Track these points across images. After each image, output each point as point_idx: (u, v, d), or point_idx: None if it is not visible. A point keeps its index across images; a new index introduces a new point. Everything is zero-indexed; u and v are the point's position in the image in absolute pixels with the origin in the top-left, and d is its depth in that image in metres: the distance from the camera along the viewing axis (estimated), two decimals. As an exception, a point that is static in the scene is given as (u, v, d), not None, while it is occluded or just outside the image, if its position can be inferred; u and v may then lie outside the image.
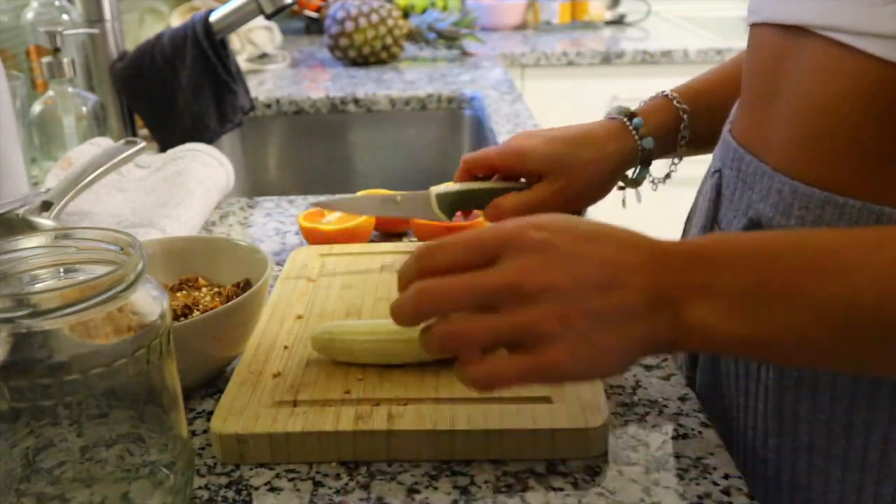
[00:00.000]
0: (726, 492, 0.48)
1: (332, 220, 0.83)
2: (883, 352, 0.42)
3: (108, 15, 1.18)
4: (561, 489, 0.48)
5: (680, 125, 0.72)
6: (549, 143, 0.69)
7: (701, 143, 0.73)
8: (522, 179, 0.71)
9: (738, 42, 2.03)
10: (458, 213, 0.78)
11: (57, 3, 1.22)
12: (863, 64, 0.46)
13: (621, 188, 0.75)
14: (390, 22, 1.81)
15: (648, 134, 0.71)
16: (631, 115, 0.71)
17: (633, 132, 0.70)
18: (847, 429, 0.51)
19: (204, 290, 0.64)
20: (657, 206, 1.59)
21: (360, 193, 0.81)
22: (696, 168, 0.75)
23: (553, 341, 0.42)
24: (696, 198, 0.69)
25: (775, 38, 0.54)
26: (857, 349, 0.43)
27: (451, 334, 0.44)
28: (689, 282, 0.43)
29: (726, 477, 0.49)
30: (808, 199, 0.51)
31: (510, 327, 0.43)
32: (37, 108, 1.09)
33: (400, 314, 0.45)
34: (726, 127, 0.63)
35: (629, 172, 0.73)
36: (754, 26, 0.58)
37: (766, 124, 0.55)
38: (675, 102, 0.72)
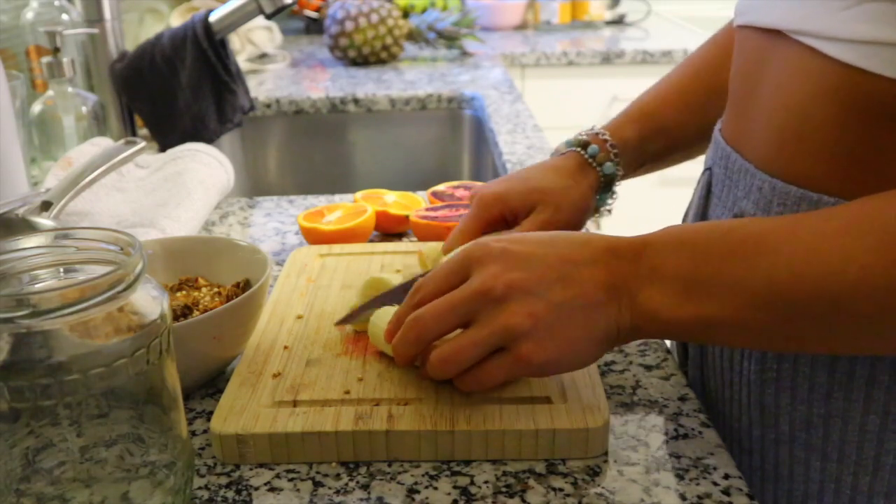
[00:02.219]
0: (726, 492, 0.48)
1: (332, 220, 0.83)
2: (809, 327, 0.45)
3: (107, 15, 1.18)
4: (561, 489, 0.48)
5: (639, 144, 0.73)
6: (524, 182, 0.70)
7: (659, 160, 0.76)
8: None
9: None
10: (447, 211, 0.81)
11: (57, 3, 1.22)
12: (829, 67, 0.48)
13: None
14: (390, 22, 1.81)
15: (606, 160, 0.72)
16: (584, 145, 0.72)
17: (591, 160, 0.71)
18: (825, 420, 0.53)
19: (204, 290, 0.64)
20: (656, 206, 1.59)
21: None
22: (694, 168, 0.75)
23: (525, 338, 0.47)
24: (692, 196, 0.70)
25: (757, 41, 0.56)
26: (785, 327, 0.46)
27: (445, 358, 0.50)
28: (638, 270, 0.48)
29: (726, 477, 0.49)
30: (785, 196, 0.52)
31: (490, 335, 0.48)
32: (37, 108, 1.09)
33: (400, 347, 0.52)
34: (717, 126, 0.64)
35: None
36: (739, 28, 0.60)
37: (748, 124, 0.57)
38: (605, 139, 0.72)
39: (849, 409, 0.52)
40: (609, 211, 0.75)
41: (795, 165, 0.52)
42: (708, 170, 0.64)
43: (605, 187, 0.73)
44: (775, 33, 0.53)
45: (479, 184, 0.87)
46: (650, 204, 1.77)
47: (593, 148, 0.71)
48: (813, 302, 0.44)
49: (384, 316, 0.57)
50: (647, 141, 0.73)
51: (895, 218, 0.43)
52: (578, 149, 0.72)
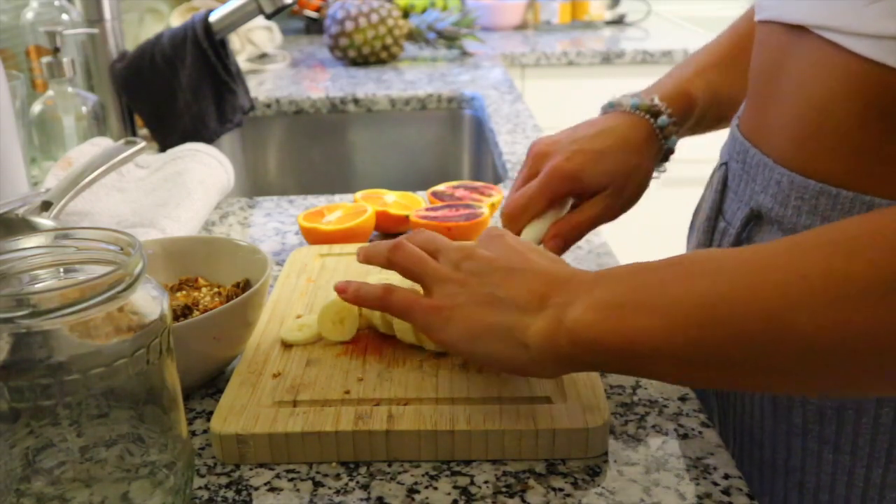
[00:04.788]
0: (726, 492, 0.48)
1: (332, 220, 0.83)
2: (741, 349, 0.41)
3: (107, 15, 1.18)
4: (561, 489, 0.48)
5: (688, 119, 0.71)
6: (598, 161, 0.66)
7: (706, 127, 0.74)
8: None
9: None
10: (447, 211, 0.81)
11: (57, 3, 1.22)
12: (851, 63, 0.48)
13: None
14: (390, 22, 1.81)
15: (672, 134, 0.69)
16: (655, 113, 0.68)
17: (659, 132, 0.69)
18: (838, 412, 0.53)
19: (204, 290, 0.64)
20: (662, 207, 1.59)
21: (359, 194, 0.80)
22: (702, 168, 0.75)
23: (444, 294, 0.50)
24: (704, 191, 0.70)
25: (779, 36, 0.56)
26: (712, 354, 0.42)
27: (398, 252, 0.53)
28: (577, 289, 0.46)
29: (726, 477, 0.49)
30: (803, 190, 0.52)
31: (425, 263, 0.52)
32: (37, 108, 1.09)
33: (370, 252, 0.56)
34: (734, 121, 0.64)
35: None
36: (760, 24, 0.59)
37: (768, 119, 0.57)
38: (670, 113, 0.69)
39: (863, 401, 0.52)
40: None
41: (815, 160, 0.52)
42: (724, 164, 0.64)
43: (662, 160, 0.71)
44: (798, 29, 0.53)
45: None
46: (655, 205, 1.77)
47: (663, 119, 0.68)
48: (748, 316, 0.40)
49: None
50: (708, 116, 0.71)
51: (844, 232, 0.41)
52: (649, 117, 0.68)
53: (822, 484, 0.55)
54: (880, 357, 0.39)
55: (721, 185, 0.64)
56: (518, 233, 0.66)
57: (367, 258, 0.57)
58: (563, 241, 0.66)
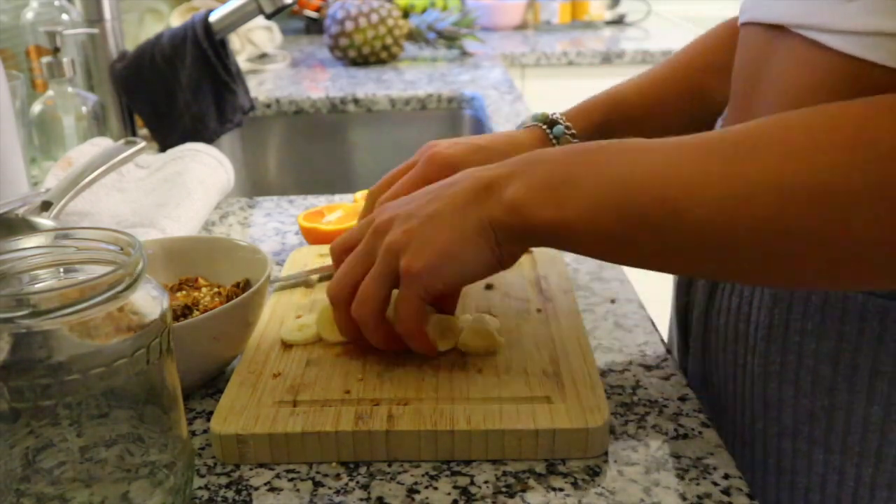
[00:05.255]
0: (726, 492, 0.48)
1: (332, 220, 0.83)
2: (648, 235, 0.46)
3: (107, 15, 1.18)
4: (561, 489, 0.48)
5: (604, 129, 0.70)
6: (478, 152, 0.66)
7: None
8: None
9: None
10: None
11: (57, 3, 1.22)
12: (831, 60, 0.48)
13: None
14: (390, 22, 1.81)
15: (568, 141, 0.69)
16: (551, 123, 0.69)
17: (554, 141, 0.69)
18: (828, 412, 0.53)
19: (204, 290, 0.64)
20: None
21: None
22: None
23: (403, 252, 0.51)
24: None
25: (759, 37, 0.56)
26: (626, 234, 0.47)
27: (358, 299, 0.53)
28: (512, 171, 0.50)
29: (726, 477, 0.49)
30: None
31: (380, 263, 0.52)
32: (37, 108, 1.09)
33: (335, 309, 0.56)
34: (719, 123, 0.65)
35: None
36: (743, 26, 0.60)
37: (750, 118, 0.57)
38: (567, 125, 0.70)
39: (852, 400, 0.52)
40: None
41: None
42: None
43: None
44: (778, 28, 0.53)
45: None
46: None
47: (559, 128, 0.69)
48: (656, 206, 0.45)
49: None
50: (612, 128, 0.71)
51: (749, 133, 0.44)
52: (543, 125, 0.69)
53: (813, 484, 0.55)
54: (767, 252, 0.43)
55: None
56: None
57: (392, 346, 0.56)
58: None
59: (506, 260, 0.52)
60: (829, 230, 0.41)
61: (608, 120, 0.71)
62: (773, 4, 0.54)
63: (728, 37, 0.72)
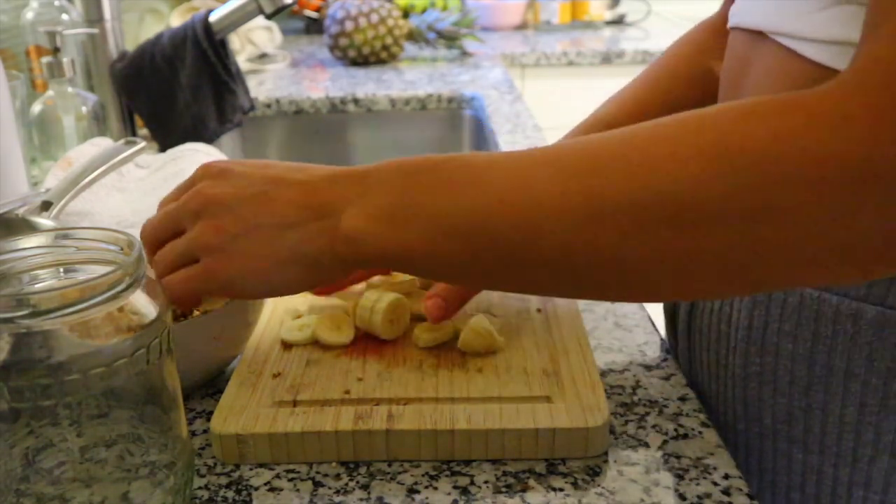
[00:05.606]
0: (726, 492, 0.48)
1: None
2: (496, 263, 0.43)
3: (107, 15, 1.18)
4: (561, 489, 0.48)
5: None
6: None
7: None
8: None
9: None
10: None
11: (57, 3, 1.22)
12: (805, 68, 0.49)
13: None
14: (390, 22, 1.81)
15: None
16: None
17: None
18: (806, 412, 0.54)
19: (204, 290, 0.63)
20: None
21: None
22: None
23: (212, 251, 0.47)
24: None
25: (743, 42, 0.57)
26: (475, 259, 0.43)
27: (155, 263, 0.51)
28: (347, 193, 0.46)
29: (726, 477, 0.49)
30: None
31: (184, 244, 0.49)
32: (37, 108, 1.09)
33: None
34: None
35: None
36: (731, 30, 0.61)
37: None
38: None
39: (828, 401, 0.53)
40: None
41: None
42: None
43: None
44: (758, 34, 0.54)
45: None
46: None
47: None
48: (507, 233, 0.42)
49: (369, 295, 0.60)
50: None
51: (605, 145, 0.41)
52: None
53: (793, 483, 0.56)
54: (627, 272, 0.41)
55: None
56: None
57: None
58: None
59: (325, 281, 0.49)
60: (689, 246, 0.39)
61: None
62: (753, 10, 0.54)
63: (705, 41, 0.72)
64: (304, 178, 0.48)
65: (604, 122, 0.72)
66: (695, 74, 0.71)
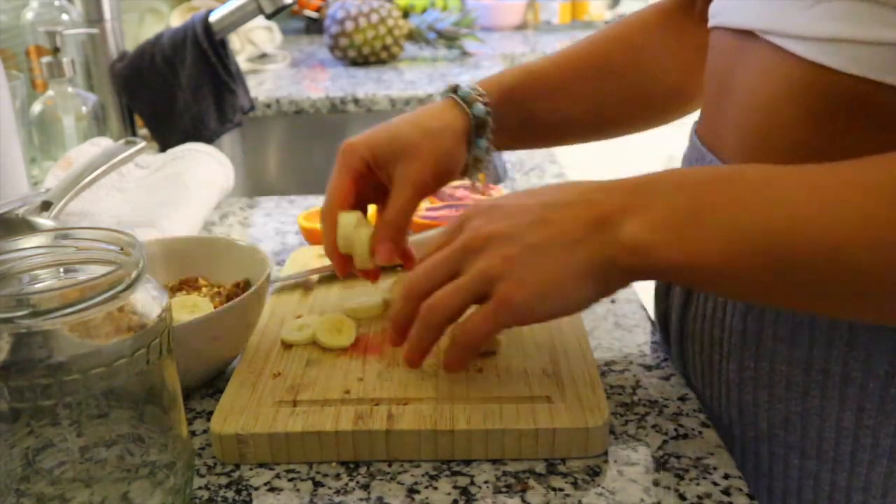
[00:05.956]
0: (726, 492, 0.48)
1: (332, 220, 0.83)
2: (803, 279, 0.43)
3: (107, 15, 1.18)
4: (561, 489, 0.48)
5: (516, 95, 0.68)
6: (388, 129, 0.63)
7: (542, 125, 0.71)
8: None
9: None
10: (448, 211, 0.79)
11: (57, 3, 1.22)
12: (795, 65, 0.49)
13: (467, 176, 0.69)
14: (390, 22, 1.81)
15: (476, 101, 0.65)
16: (455, 88, 0.66)
17: (461, 102, 0.65)
18: (802, 417, 0.54)
19: (204, 290, 0.64)
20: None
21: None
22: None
23: (502, 280, 0.47)
24: None
25: (728, 42, 0.57)
26: (779, 277, 0.44)
27: (431, 304, 0.49)
28: (627, 204, 0.46)
29: (726, 477, 0.49)
30: None
31: (469, 281, 0.48)
32: (37, 108, 1.09)
33: (418, 345, 0.52)
34: (693, 127, 0.65)
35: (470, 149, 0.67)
36: (713, 29, 0.60)
37: (721, 124, 0.58)
38: (475, 88, 0.67)
39: (825, 406, 0.52)
40: (484, 164, 0.67)
41: (765, 162, 0.51)
42: None
43: (479, 130, 0.66)
44: (746, 34, 0.54)
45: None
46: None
47: (478, 108, 0.65)
48: (811, 250, 0.42)
49: (346, 217, 0.60)
50: (523, 96, 0.69)
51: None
52: (449, 93, 0.66)
53: (789, 489, 0.56)
54: None
55: None
56: (334, 222, 0.62)
57: (420, 356, 0.53)
58: (393, 228, 0.61)
59: (612, 292, 0.49)
60: None
61: (520, 86, 0.68)
62: (741, 10, 0.54)
63: (653, 19, 0.72)
64: (578, 196, 0.48)
65: (530, 69, 0.70)
66: (634, 43, 0.70)
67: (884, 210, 0.40)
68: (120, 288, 0.40)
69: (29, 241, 0.44)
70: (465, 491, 0.48)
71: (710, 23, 0.60)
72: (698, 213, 0.45)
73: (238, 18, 1.19)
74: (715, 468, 0.50)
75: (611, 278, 0.47)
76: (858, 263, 0.41)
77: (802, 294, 0.45)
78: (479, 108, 0.65)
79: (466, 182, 0.94)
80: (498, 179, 1.15)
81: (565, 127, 0.72)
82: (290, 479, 0.49)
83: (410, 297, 0.51)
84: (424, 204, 0.89)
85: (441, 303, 0.49)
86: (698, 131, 0.63)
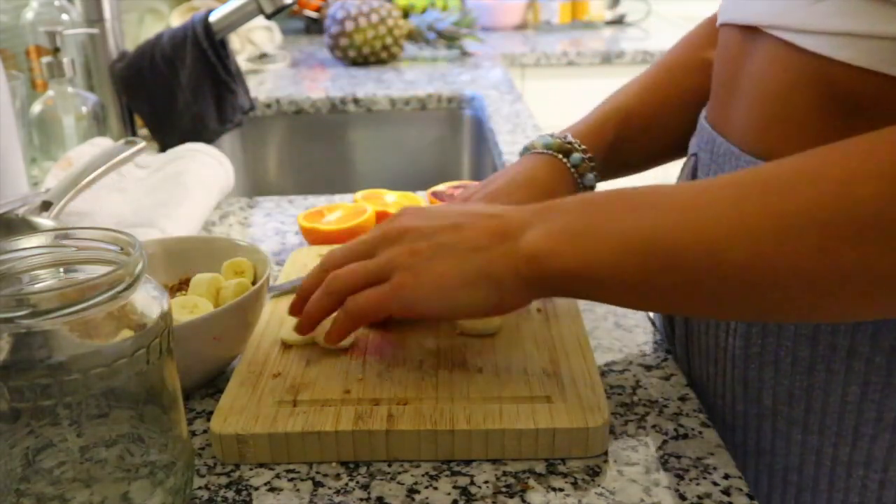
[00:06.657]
0: (726, 492, 0.48)
1: (332, 220, 0.83)
2: (683, 278, 0.45)
3: (107, 15, 1.18)
4: (561, 489, 0.48)
5: (619, 145, 0.71)
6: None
7: (637, 163, 0.75)
8: None
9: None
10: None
11: (57, 3, 1.22)
12: (805, 59, 0.50)
13: None
14: (390, 22, 1.81)
15: (588, 170, 0.68)
16: (567, 151, 0.68)
17: (574, 170, 0.68)
18: (807, 392, 0.54)
19: (204, 290, 0.63)
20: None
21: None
22: (674, 164, 0.76)
23: (402, 269, 0.51)
24: (676, 182, 0.70)
25: (736, 38, 0.58)
26: (661, 277, 0.46)
27: (337, 274, 0.54)
28: (532, 218, 0.50)
29: (726, 477, 0.49)
30: None
31: (375, 264, 0.53)
32: (37, 108, 1.09)
33: (311, 308, 0.55)
34: (703, 114, 0.65)
35: None
36: (721, 27, 0.62)
37: (731, 111, 0.59)
38: (583, 149, 0.69)
39: (830, 380, 0.53)
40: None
41: (778, 147, 0.53)
42: (693, 155, 0.65)
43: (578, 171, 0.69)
44: (753, 30, 0.55)
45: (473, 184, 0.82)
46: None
47: (576, 157, 0.67)
48: (693, 251, 0.44)
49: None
50: (623, 143, 0.71)
51: (783, 169, 0.44)
52: (560, 155, 0.68)
53: (791, 465, 0.56)
54: (810, 289, 0.42)
55: (691, 176, 0.65)
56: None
57: (310, 322, 0.56)
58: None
59: (506, 307, 0.51)
60: (873, 262, 0.40)
61: (620, 136, 0.71)
62: (747, 6, 0.55)
63: (714, 34, 0.73)
64: (495, 211, 0.52)
65: (624, 110, 0.72)
66: (707, 61, 0.71)
67: (752, 205, 0.43)
68: (120, 288, 0.40)
69: (29, 241, 0.44)
70: (465, 491, 0.48)
71: (719, 20, 0.61)
72: (593, 223, 0.48)
73: (238, 18, 1.19)
74: (715, 468, 0.50)
75: (505, 288, 0.50)
76: (735, 258, 0.43)
77: (682, 295, 0.46)
78: (590, 179, 0.69)
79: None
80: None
81: (654, 159, 0.76)
82: (290, 479, 0.49)
83: (324, 267, 0.56)
84: (423, 204, 0.89)
85: (344, 274, 0.54)
86: (708, 117, 0.63)
